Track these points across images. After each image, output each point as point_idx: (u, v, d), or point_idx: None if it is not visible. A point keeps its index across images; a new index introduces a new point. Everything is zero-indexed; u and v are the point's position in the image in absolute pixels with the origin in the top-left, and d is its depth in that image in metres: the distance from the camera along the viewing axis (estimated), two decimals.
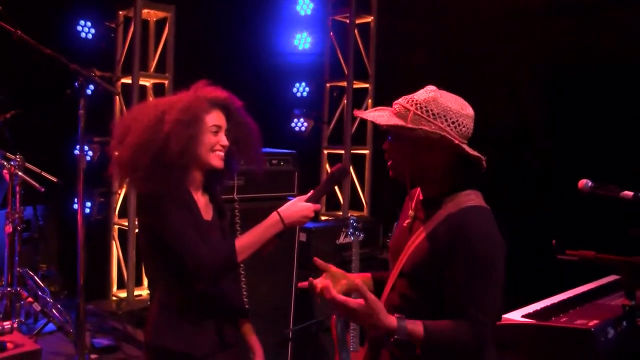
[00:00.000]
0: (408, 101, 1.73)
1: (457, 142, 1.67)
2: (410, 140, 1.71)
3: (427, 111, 1.69)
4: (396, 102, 1.77)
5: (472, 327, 1.62)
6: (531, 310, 2.42)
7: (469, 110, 1.74)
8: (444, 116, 1.69)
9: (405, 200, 1.97)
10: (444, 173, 1.76)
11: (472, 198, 1.73)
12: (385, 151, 1.80)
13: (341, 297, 1.63)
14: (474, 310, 1.62)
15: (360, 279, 1.95)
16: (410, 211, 1.84)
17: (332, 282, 1.89)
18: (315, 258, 1.93)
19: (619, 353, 2.22)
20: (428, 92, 1.74)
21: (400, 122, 1.69)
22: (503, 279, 1.67)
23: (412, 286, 1.74)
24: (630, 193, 2.21)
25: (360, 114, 1.81)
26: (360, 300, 1.60)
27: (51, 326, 3.93)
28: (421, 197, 1.83)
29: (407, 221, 1.83)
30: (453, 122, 1.69)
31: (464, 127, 1.71)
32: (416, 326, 1.61)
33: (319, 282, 1.85)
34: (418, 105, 1.71)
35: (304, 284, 1.89)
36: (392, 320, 1.60)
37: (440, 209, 1.73)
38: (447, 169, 1.76)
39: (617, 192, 2.24)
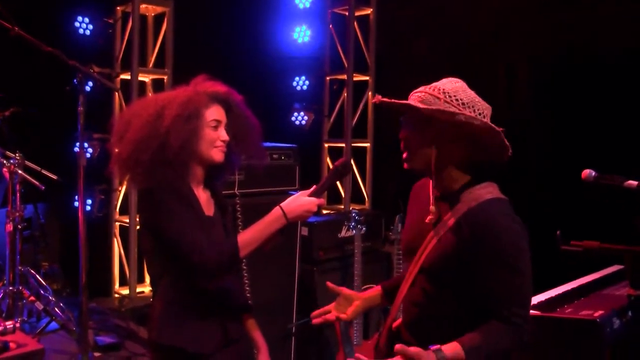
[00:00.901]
0: (433, 89, 1.69)
1: (498, 129, 1.65)
2: (440, 128, 1.66)
3: (456, 100, 1.66)
4: (417, 91, 1.72)
5: (509, 327, 1.59)
6: (536, 302, 2.41)
7: (488, 104, 1.72)
8: (472, 106, 1.67)
9: (411, 193, 1.94)
10: (464, 164, 1.73)
11: (490, 191, 1.71)
12: (402, 140, 1.75)
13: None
14: (507, 311, 1.59)
15: (370, 293, 1.97)
16: (432, 207, 1.77)
17: (345, 305, 1.92)
18: (328, 283, 1.93)
19: (625, 343, 2.22)
20: (454, 83, 1.71)
21: (440, 107, 1.64)
22: (530, 268, 1.64)
23: (434, 282, 1.71)
24: (635, 182, 2.20)
25: (387, 100, 1.73)
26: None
27: (54, 325, 3.92)
28: (436, 192, 1.78)
29: (429, 217, 1.76)
30: (480, 113, 1.67)
31: (488, 119, 1.69)
32: (455, 350, 1.55)
33: (332, 314, 1.89)
34: (446, 93, 1.67)
35: (319, 320, 1.92)
36: (431, 357, 1.53)
37: (459, 203, 1.69)
38: (468, 160, 1.73)
39: (620, 181, 2.23)
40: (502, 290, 1.61)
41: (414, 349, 1.52)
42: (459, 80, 1.73)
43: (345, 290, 1.95)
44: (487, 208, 1.66)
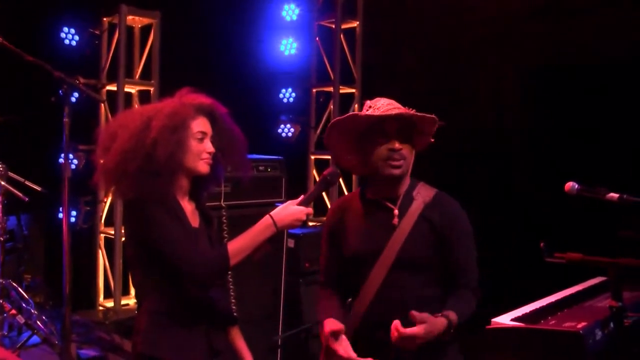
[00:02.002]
0: (392, 103, 1.93)
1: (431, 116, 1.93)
2: (417, 137, 1.94)
3: (397, 105, 1.94)
4: (396, 107, 1.91)
5: (475, 296, 1.93)
6: (520, 314, 2.42)
7: None
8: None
9: (336, 212, 2.10)
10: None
11: (428, 187, 2.01)
12: (397, 151, 1.91)
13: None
14: (474, 281, 1.94)
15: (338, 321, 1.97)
16: (395, 210, 1.95)
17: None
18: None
19: (607, 354, 2.23)
20: (385, 99, 1.95)
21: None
22: None
23: (412, 273, 1.90)
24: (616, 195, 2.22)
25: (419, 114, 1.94)
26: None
27: (35, 339, 3.86)
28: (394, 195, 1.97)
29: (394, 220, 1.94)
30: None
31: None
32: (452, 315, 1.82)
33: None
34: (390, 102, 1.93)
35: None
36: (442, 321, 1.79)
37: (414, 200, 1.94)
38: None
39: (603, 194, 2.25)
40: (470, 262, 1.96)
41: (427, 316, 1.77)
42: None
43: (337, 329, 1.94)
44: (444, 199, 1.98)
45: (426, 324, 1.75)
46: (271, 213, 1.91)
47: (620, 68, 3.77)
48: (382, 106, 1.91)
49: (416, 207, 1.93)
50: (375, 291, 1.89)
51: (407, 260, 1.87)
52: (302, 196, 1.97)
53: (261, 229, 1.89)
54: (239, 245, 1.86)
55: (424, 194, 1.97)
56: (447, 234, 1.92)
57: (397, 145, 1.88)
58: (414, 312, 1.76)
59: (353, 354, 1.87)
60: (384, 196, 1.99)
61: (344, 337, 1.91)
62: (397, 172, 1.91)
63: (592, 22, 3.96)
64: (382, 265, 1.88)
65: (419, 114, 1.91)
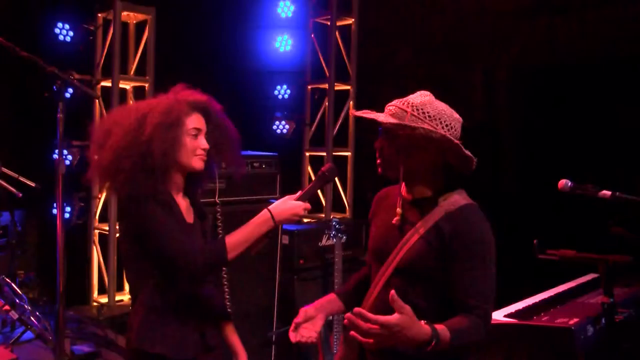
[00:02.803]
0: (403, 103, 1.80)
1: (456, 142, 1.75)
2: (406, 139, 1.78)
3: (423, 113, 1.78)
4: (390, 104, 1.83)
5: (484, 322, 1.71)
6: (513, 310, 2.44)
7: (458, 115, 1.83)
8: (439, 119, 1.78)
9: (375, 201, 2.03)
10: (435, 173, 1.84)
11: (464, 197, 1.84)
12: (377, 149, 1.85)
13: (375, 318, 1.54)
14: (485, 305, 1.72)
15: (324, 301, 1.99)
16: (398, 209, 1.88)
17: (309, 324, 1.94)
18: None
19: (599, 350, 2.25)
20: (423, 96, 1.83)
21: (400, 121, 1.76)
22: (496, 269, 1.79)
23: (410, 280, 1.80)
24: (608, 192, 2.24)
25: (359, 113, 1.85)
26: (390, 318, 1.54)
27: (29, 334, 3.86)
28: (409, 197, 1.87)
29: (395, 219, 1.86)
30: (447, 125, 1.78)
31: (455, 130, 1.80)
32: (443, 331, 1.61)
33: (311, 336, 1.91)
34: (414, 107, 1.78)
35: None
36: (426, 329, 1.57)
37: (436, 206, 1.81)
38: (439, 169, 1.84)
39: (595, 191, 2.28)
40: (477, 284, 1.73)
41: (410, 309, 1.55)
42: (428, 93, 1.84)
43: (308, 312, 1.95)
44: (467, 211, 1.79)
45: (404, 317, 1.53)
46: (269, 207, 1.91)
47: (615, 65, 3.79)
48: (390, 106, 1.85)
49: (434, 214, 1.79)
50: (378, 291, 1.87)
51: (406, 266, 1.80)
52: (299, 192, 1.98)
53: (259, 223, 1.89)
54: (236, 239, 1.86)
55: (451, 202, 1.80)
56: (454, 247, 1.74)
57: (376, 144, 1.86)
58: (394, 293, 1.54)
59: (308, 334, 1.86)
60: (403, 196, 1.90)
61: (318, 318, 1.91)
62: (379, 170, 1.88)
63: (585, 20, 3.97)
64: (388, 267, 1.85)
65: (367, 115, 1.81)
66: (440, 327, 1.61)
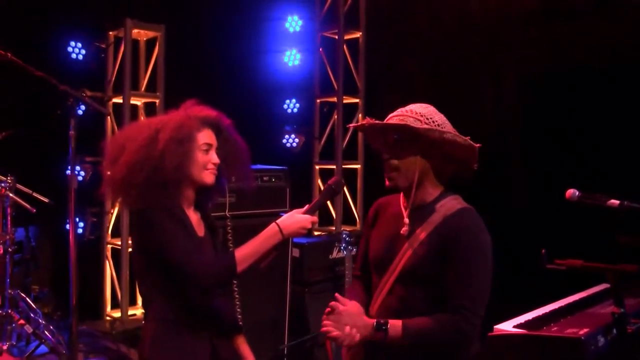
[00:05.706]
0: (412, 112, 1.85)
1: (477, 146, 1.83)
2: (422, 147, 1.83)
3: (433, 121, 1.84)
4: (395, 115, 1.87)
5: (466, 322, 1.74)
6: (522, 321, 2.43)
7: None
8: (445, 127, 1.85)
9: (373, 211, 2.07)
10: (438, 179, 1.90)
11: (459, 201, 1.89)
12: (387, 160, 1.88)
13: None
14: (470, 305, 1.75)
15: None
16: (406, 219, 1.90)
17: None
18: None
19: None
20: (424, 107, 1.88)
21: (427, 127, 1.81)
22: (491, 272, 1.84)
23: (411, 286, 1.84)
24: (617, 202, 2.24)
25: (356, 125, 1.94)
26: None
27: (43, 348, 3.90)
28: (409, 205, 1.91)
29: (404, 229, 1.89)
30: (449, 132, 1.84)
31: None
32: (396, 325, 1.75)
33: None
34: (424, 116, 1.84)
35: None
36: (371, 320, 1.77)
37: (434, 212, 1.86)
38: (440, 175, 1.90)
39: (603, 201, 2.27)
40: (467, 285, 1.77)
41: (357, 305, 1.82)
42: (428, 105, 1.90)
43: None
44: (464, 215, 1.85)
45: (349, 308, 1.80)
46: (277, 221, 1.94)
47: (621, 74, 3.79)
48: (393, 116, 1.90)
49: (434, 220, 1.83)
50: (382, 299, 1.90)
51: (409, 272, 1.84)
52: (307, 205, 2.00)
53: (267, 236, 1.92)
54: (245, 253, 1.89)
55: (448, 207, 1.85)
56: (450, 248, 1.78)
57: (384, 155, 1.89)
58: (337, 294, 1.82)
59: (351, 308, 1.84)
60: (406, 205, 1.94)
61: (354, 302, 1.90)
62: (388, 183, 1.90)
63: (590, 28, 3.98)
64: (391, 274, 1.88)
65: (378, 123, 1.86)
66: (393, 321, 1.76)
